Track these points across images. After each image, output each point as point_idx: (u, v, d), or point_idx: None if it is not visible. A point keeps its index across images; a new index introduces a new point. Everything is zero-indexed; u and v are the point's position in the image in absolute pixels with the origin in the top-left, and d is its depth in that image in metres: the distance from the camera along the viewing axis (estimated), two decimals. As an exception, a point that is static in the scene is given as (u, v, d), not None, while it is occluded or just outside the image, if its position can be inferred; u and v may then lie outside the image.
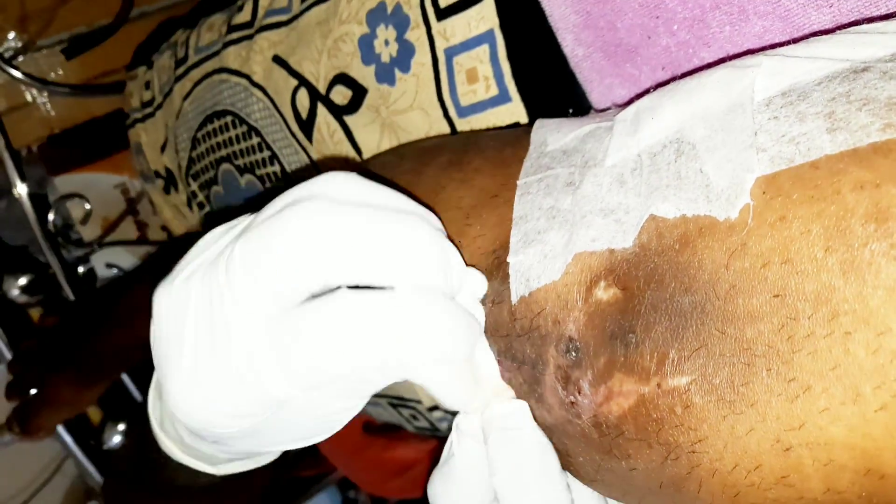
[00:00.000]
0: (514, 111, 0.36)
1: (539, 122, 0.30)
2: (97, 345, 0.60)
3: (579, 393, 0.23)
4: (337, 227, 0.22)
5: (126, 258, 0.83)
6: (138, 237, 0.86)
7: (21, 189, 0.71)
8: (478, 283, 0.26)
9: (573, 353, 0.23)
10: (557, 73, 0.34)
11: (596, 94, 0.33)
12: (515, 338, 0.25)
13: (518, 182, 0.27)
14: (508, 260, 0.25)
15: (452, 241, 0.25)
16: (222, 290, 0.22)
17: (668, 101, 0.25)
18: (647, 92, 0.28)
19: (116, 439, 0.75)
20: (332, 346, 0.21)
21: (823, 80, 0.21)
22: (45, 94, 0.81)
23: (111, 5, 0.80)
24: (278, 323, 0.22)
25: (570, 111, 0.34)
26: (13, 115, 0.80)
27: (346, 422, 0.26)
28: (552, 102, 0.35)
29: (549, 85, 0.34)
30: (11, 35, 0.78)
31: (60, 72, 0.81)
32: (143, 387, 0.77)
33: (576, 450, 0.25)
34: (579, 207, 0.24)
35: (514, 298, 0.25)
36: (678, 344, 0.20)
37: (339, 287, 0.22)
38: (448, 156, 0.31)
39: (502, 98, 0.36)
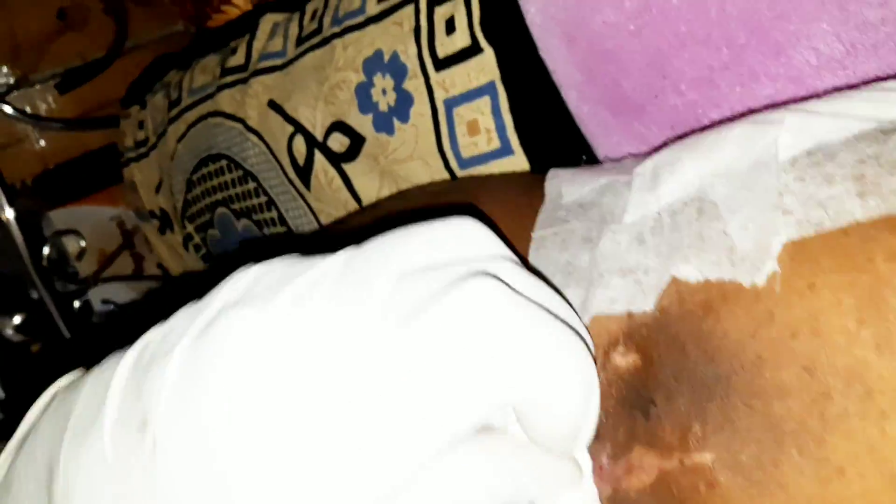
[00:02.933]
0: (517, 164, 0.35)
1: (553, 172, 0.29)
2: None
3: (600, 469, 0.22)
4: (526, 332, 0.17)
5: (122, 293, 0.82)
6: (134, 270, 0.85)
7: (8, 213, 0.69)
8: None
9: None
10: (562, 127, 0.33)
11: (603, 151, 0.32)
12: None
13: (532, 235, 0.25)
14: None
15: None
16: None
17: (688, 156, 0.24)
18: (664, 144, 0.27)
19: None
20: None
21: (850, 139, 0.20)
22: (39, 129, 0.80)
23: (104, 38, 0.79)
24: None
25: (584, 158, 0.33)
26: (7, 150, 0.79)
27: None
28: (556, 156, 0.34)
29: (554, 139, 0.34)
30: (4, 70, 0.77)
31: (54, 105, 0.80)
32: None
33: None
34: (597, 266, 0.23)
35: None
36: (702, 417, 0.19)
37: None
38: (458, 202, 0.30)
39: (504, 151, 0.35)
